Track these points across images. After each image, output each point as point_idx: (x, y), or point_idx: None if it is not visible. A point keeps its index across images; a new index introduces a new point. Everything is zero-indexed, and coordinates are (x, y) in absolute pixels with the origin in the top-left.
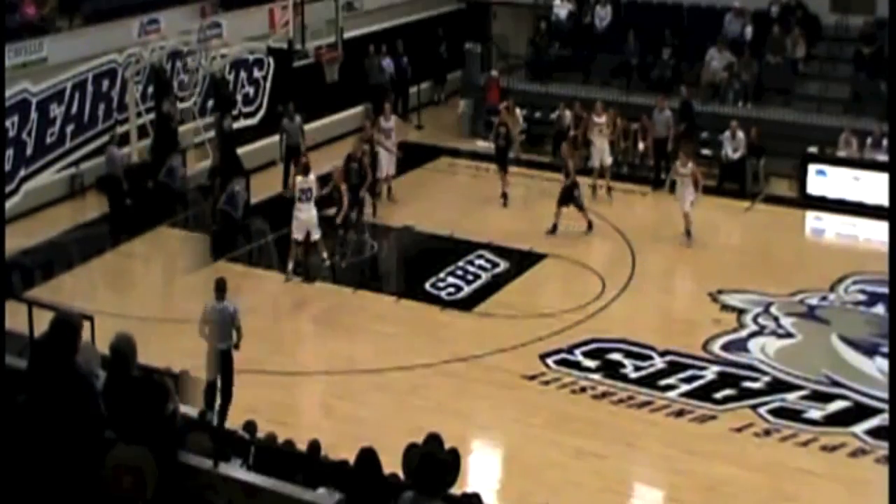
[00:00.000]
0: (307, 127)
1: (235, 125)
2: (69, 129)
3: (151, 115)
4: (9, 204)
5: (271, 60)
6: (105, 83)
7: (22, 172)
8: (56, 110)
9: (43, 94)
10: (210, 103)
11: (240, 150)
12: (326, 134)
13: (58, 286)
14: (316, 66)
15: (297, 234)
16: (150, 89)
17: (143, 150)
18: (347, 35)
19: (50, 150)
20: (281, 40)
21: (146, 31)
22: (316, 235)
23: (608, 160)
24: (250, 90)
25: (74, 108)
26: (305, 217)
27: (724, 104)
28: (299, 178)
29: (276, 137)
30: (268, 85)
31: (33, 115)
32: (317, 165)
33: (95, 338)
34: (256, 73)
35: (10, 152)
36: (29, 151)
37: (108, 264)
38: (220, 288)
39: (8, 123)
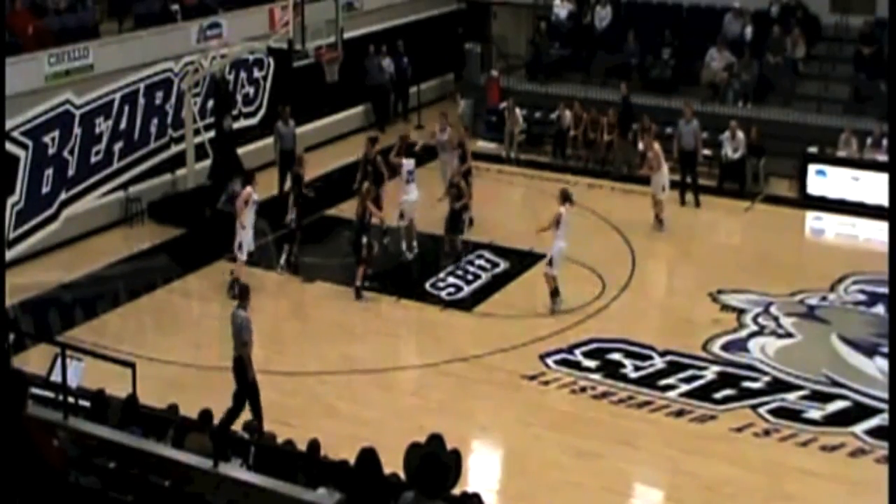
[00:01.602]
0: (308, 127)
1: (235, 125)
2: (117, 146)
3: (211, 133)
4: (48, 231)
5: (271, 60)
6: (159, 95)
7: (63, 195)
8: (103, 125)
9: (88, 107)
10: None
11: (240, 151)
12: (326, 134)
13: (100, 327)
14: (316, 66)
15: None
16: (210, 103)
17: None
18: (347, 35)
19: (95, 171)
20: (281, 40)
21: (206, 36)
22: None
23: (662, 195)
24: (250, 90)
25: (123, 123)
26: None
27: (724, 104)
28: (249, 189)
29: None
30: (268, 85)
31: (77, 130)
32: (318, 165)
33: (136, 386)
34: (256, 73)
35: (49, 172)
36: (71, 172)
37: (158, 302)
38: (241, 295)
39: (47, 139)
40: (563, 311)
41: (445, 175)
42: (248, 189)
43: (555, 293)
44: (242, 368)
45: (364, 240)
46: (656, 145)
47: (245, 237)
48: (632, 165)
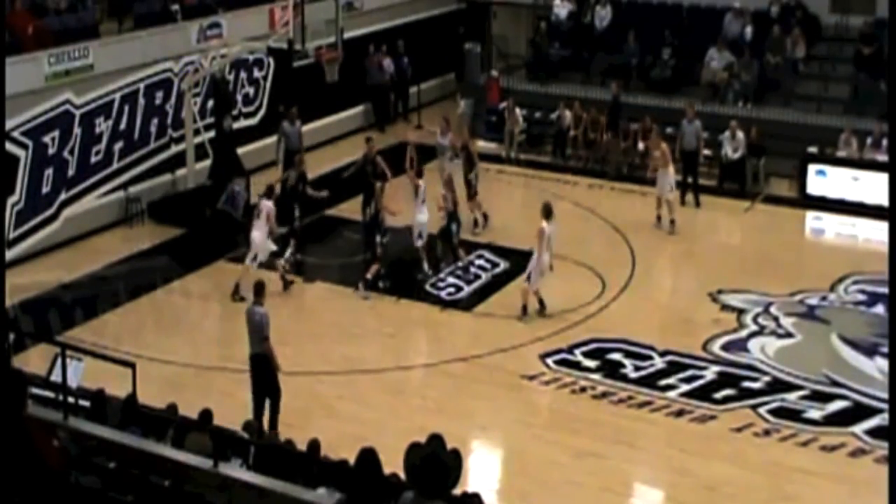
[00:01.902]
0: (308, 127)
1: (235, 125)
2: (117, 146)
3: (211, 133)
4: (47, 232)
5: (271, 60)
6: (159, 95)
7: (62, 196)
8: (103, 125)
9: (88, 107)
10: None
11: (240, 151)
12: (326, 134)
13: (100, 327)
14: (316, 66)
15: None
16: (210, 103)
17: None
18: (347, 35)
19: (95, 171)
20: (281, 40)
21: (206, 36)
22: (262, 257)
23: (670, 195)
24: (250, 90)
25: (123, 123)
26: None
27: (724, 104)
28: (271, 203)
29: (276, 137)
30: (268, 85)
31: (77, 130)
32: (318, 166)
33: (136, 385)
34: (256, 73)
35: (49, 172)
36: (71, 172)
37: (159, 302)
38: (257, 291)
39: (47, 139)
40: (563, 311)
41: (443, 177)
42: (270, 203)
43: (525, 310)
44: (266, 364)
45: (378, 238)
46: (664, 145)
47: (265, 246)
48: (623, 164)
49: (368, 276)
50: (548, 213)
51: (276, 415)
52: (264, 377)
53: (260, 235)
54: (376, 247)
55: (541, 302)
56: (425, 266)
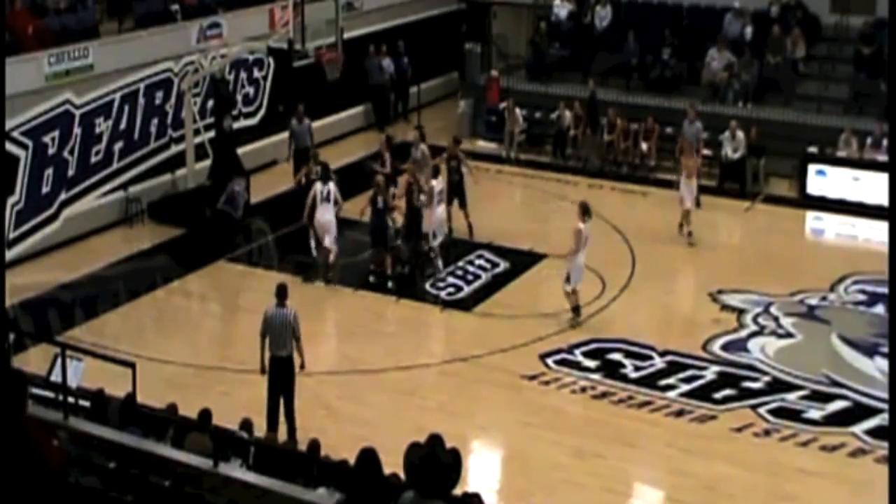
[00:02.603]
0: None
1: (235, 125)
2: (117, 146)
3: (211, 133)
4: (47, 232)
5: (271, 60)
6: (159, 95)
7: (62, 196)
8: (103, 125)
9: (88, 107)
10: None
11: (240, 151)
12: (327, 134)
13: (100, 327)
14: (316, 66)
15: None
16: (210, 103)
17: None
18: (347, 35)
19: (95, 171)
20: (281, 40)
21: (206, 36)
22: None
23: (689, 204)
24: (250, 90)
25: (123, 123)
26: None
27: (724, 104)
28: (319, 185)
29: (276, 137)
30: (268, 85)
31: (76, 130)
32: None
33: (136, 385)
34: (256, 73)
35: (49, 172)
36: (71, 172)
37: (159, 302)
38: (281, 294)
39: (47, 139)
40: (563, 311)
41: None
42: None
43: (576, 310)
44: (291, 367)
45: (390, 231)
46: (692, 159)
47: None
48: (623, 163)
49: (388, 271)
50: (584, 211)
51: (294, 423)
52: (286, 381)
53: (330, 217)
54: (386, 240)
55: (577, 307)
56: (440, 264)
